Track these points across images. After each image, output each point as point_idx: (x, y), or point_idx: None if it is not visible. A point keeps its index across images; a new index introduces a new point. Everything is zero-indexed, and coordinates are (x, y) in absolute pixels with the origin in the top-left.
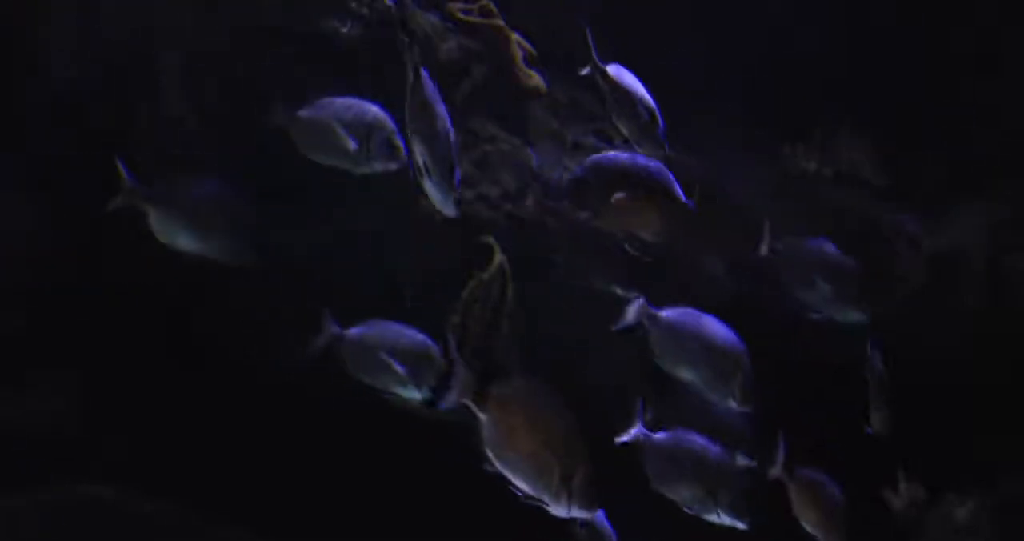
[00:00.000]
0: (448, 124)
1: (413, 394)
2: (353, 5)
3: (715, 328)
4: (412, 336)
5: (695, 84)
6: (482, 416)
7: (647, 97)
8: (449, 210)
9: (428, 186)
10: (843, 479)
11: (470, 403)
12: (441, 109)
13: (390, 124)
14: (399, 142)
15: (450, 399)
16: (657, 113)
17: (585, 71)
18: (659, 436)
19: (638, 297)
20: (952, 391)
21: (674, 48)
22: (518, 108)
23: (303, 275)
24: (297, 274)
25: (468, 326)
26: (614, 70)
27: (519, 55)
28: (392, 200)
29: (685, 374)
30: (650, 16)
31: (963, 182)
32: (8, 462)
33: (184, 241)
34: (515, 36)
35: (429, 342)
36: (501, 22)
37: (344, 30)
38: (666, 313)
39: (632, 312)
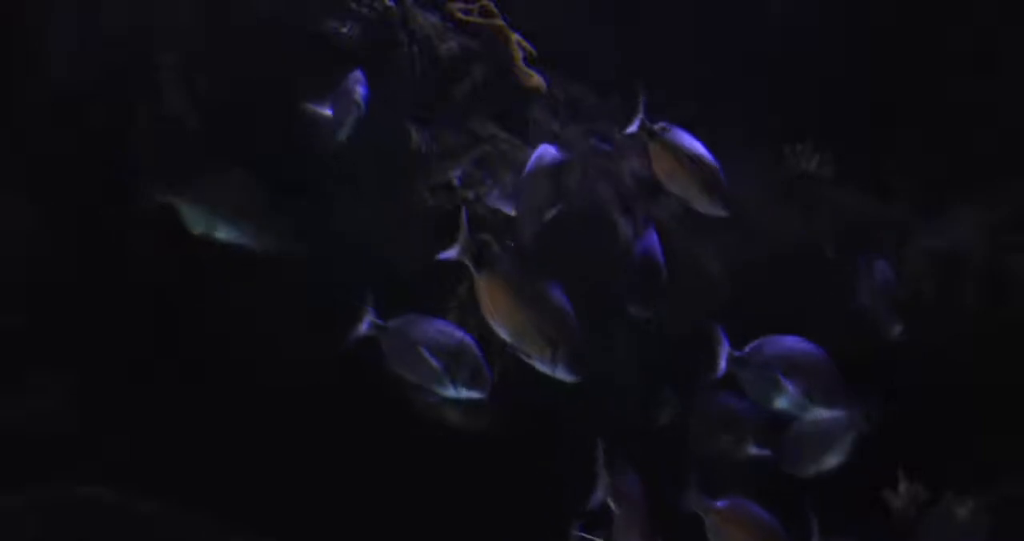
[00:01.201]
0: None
1: (449, 391)
2: (353, 5)
3: (793, 351)
4: (451, 332)
5: (694, 83)
6: (617, 512)
7: (706, 156)
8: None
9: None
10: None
11: (611, 502)
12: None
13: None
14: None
15: (595, 500)
16: (719, 171)
17: (633, 128)
18: (721, 504)
19: (724, 341)
20: (952, 391)
21: (674, 47)
22: (518, 108)
23: (304, 274)
24: (298, 273)
25: (467, 325)
26: (669, 132)
27: (519, 55)
28: (392, 198)
29: (777, 404)
30: (650, 15)
31: (963, 182)
32: (8, 462)
33: (221, 231)
34: (515, 36)
35: (467, 338)
36: (501, 22)
37: (344, 30)
38: (750, 352)
39: (723, 361)
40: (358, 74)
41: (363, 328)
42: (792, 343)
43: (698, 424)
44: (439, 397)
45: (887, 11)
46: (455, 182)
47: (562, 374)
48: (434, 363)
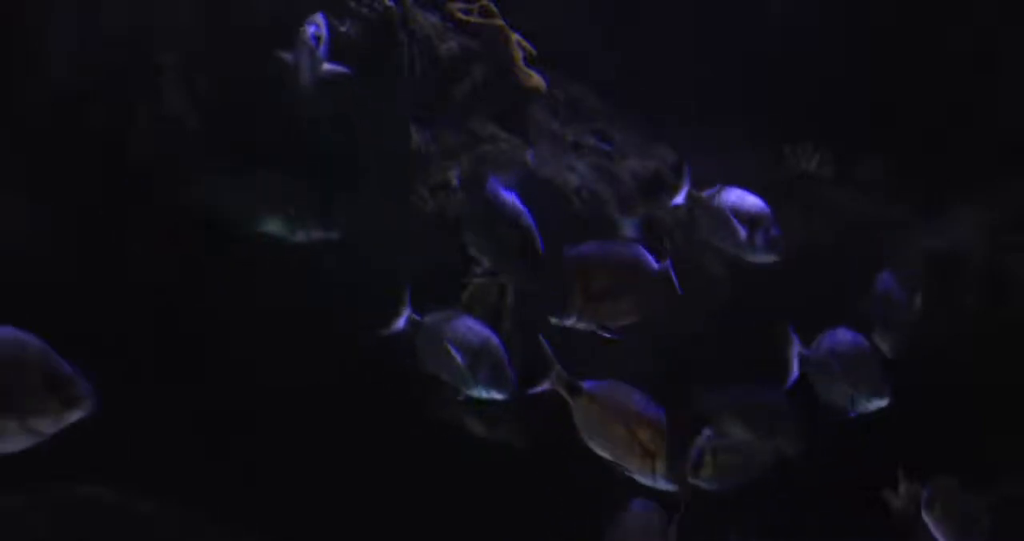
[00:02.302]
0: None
1: (472, 389)
2: (353, 5)
3: (846, 348)
4: (479, 330)
5: (694, 83)
6: None
7: (758, 208)
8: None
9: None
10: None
11: None
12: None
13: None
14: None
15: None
16: (770, 219)
17: (680, 200)
18: None
19: (796, 341)
20: (952, 391)
21: (674, 47)
22: (518, 108)
23: (304, 274)
24: (298, 274)
25: None
26: (724, 193)
27: (519, 55)
28: (392, 199)
29: (833, 399)
30: (650, 15)
31: (963, 182)
32: (8, 462)
33: (267, 225)
34: (515, 36)
35: (493, 338)
36: (501, 22)
37: (344, 30)
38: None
39: (796, 361)
40: (316, 17)
41: (400, 322)
42: (844, 338)
43: (722, 419)
44: (466, 396)
45: (887, 11)
46: (455, 182)
47: (663, 484)
48: (458, 358)
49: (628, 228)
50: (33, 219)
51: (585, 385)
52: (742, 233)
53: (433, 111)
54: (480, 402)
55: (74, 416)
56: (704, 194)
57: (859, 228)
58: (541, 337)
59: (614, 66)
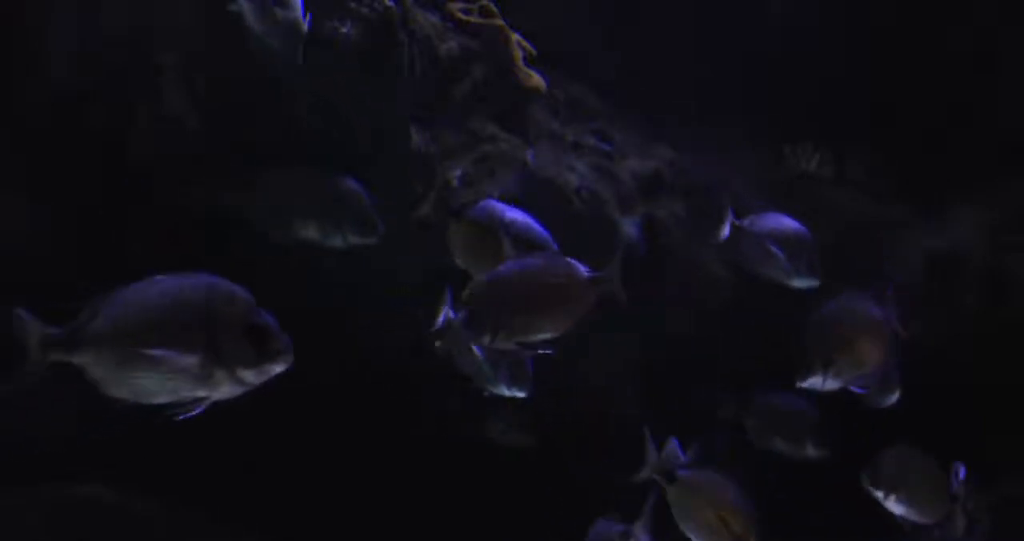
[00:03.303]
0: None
1: (494, 386)
2: (353, 5)
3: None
4: None
5: (694, 83)
6: None
7: (800, 234)
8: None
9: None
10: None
11: None
12: None
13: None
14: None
15: None
16: (808, 240)
17: (726, 234)
18: None
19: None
20: (952, 391)
21: (674, 47)
22: (518, 108)
23: (304, 274)
24: (298, 274)
25: None
26: (763, 219)
27: (519, 55)
28: (392, 199)
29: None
30: (650, 15)
31: (963, 182)
32: (8, 462)
33: (306, 231)
34: (515, 36)
35: None
36: (501, 22)
37: (344, 30)
38: None
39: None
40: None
41: (439, 322)
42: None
43: (756, 424)
44: (490, 393)
45: (887, 11)
46: (455, 182)
47: None
48: (480, 357)
49: (628, 228)
50: (33, 219)
51: (680, 473)
52: (784, 261)
53: (433, 111)
54: (503, 400)
55: (275, 369)
56: (746, 224)
57: (859, 228)
58: (645, 428)
59: (614, 66)
